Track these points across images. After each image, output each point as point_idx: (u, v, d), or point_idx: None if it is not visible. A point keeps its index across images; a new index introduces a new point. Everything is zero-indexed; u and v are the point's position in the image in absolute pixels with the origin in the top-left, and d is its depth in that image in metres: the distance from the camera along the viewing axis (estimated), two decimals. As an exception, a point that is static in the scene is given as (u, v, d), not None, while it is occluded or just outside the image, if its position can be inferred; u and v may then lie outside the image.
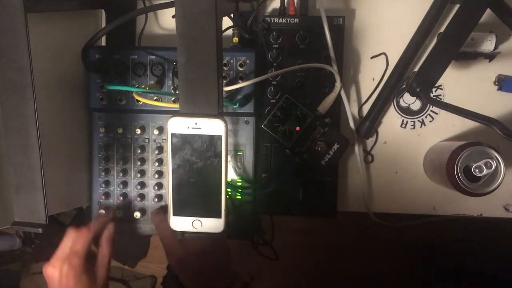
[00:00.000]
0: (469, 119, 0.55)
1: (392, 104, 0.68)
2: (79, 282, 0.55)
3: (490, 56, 0.64)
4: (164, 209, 0.65)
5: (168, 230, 0.55)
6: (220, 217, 0.44)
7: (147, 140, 0.65)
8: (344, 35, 0.64)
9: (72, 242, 0.57)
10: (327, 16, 0.62)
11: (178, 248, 0.59)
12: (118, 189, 0.66)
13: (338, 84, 0.62)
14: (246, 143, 0.65)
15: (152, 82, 0.63)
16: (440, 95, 0.67)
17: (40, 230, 0.47)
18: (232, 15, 0.64)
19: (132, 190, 0.66)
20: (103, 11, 0.70)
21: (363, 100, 0.68)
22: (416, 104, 0.68)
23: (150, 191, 0.66)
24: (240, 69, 0.62)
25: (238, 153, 0.65)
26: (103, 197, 0.66)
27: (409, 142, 0.68)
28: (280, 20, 0.64)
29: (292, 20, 0.64)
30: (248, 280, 0.65)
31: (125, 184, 0.66)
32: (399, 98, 0.68)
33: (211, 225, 0.45)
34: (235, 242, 0.70)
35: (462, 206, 0.68)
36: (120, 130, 0.65)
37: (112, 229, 0.62)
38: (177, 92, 0.62)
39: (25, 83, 0.44)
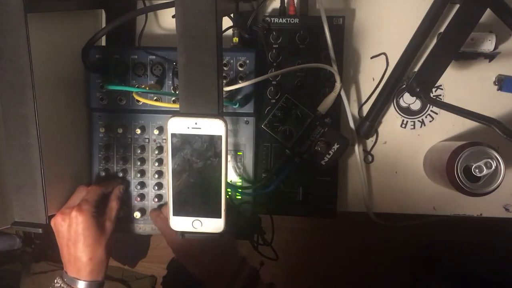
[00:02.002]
0: (469, 119, 0.55)
1: (392, 104, 0.68)
2: (87, 229, 0.56)
3: (490, 56, 0.64)
4: (160, 206, 0.66)
5: (166, 221, 0.55)
6: (220, 217, 0.44)
7: (147, 140, 0.65)
8: (344, 35, 0.64)
9: (82, 194, 0.60)
10: (327, 16, 0.62)
11: (179, 241, 0.59)
12: (118, 189, 0.66)
13: (338, 84, 0.62)
14: (246, 143, 0.65)
15: (152, 82, 0.63)
16: (440, 95, 0.67)
17: (40, 230, 0.47)
18: (232, 15, 0.64)
19: (132, 190, 0.66)
20: (103, 11, 0.70)
21: (363, 100, 0.68)
22: (416, 104, 0.68)
23: (150, 191, 0.66)
24: (240, 69, 0.62)
25: (238, 153, 0.65)
26: (103, 197, 0.66)
27: (409, 142, 0.68)
28: (280, 20, 0.64)
29: (292, 20, 0.64)
30: (257, 265, 0.64)
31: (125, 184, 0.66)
32: (399, 98, 0.68)
33: (211, 225, 0.45)
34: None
35: (462, 206, 0.68)
36: (120, 130, 0.65)
37: (121, 189, 0.64)
38: (177, 92, 0.62)
39: (25, 83, 0.44)
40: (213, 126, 0.41)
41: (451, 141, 0.67)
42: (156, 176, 0.65)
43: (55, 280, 0.57)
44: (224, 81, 0.62)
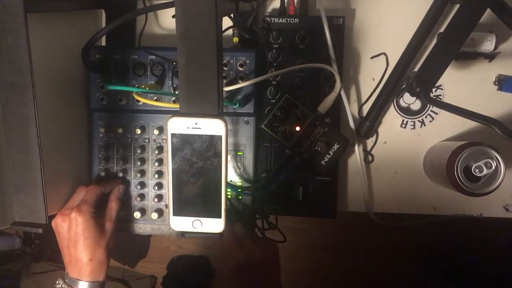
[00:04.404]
0: (469, 119, 0.55)
1: (392, 104, 0.68)
2: (87, 229, 0.56)
3: (490, 56, 0.64)
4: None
5: (229, 234, 0.57)
6: (220, 217, 0.44)
7: (147, 140, 0.65)
8: (344, 35, 0.64)
9: (82, 195, 0.60)
10: (327, 16, 0.62)
11: (242, 255, 0.58)
12: (118, 189, 0.66)
13: (338, 84, 0.62)
14: (246, 143, 0.65)
15: (152, 82, 0.63)
16: (440, 95, 0.67)
17: (40, 230, 0.47)
18: (232, 15, 0.64)
19: (132, 190, 0.66)
20: (103, 11, 0.70)
21: (363, 100, 0.68)
22: (416, 104, 0.68)
23: (150, 191, 0.66)
24: (240, 69, 0.62)
25: (238, 153, 0.65)
26: (103, 197, 0.66)
27: (409, 142, 0.68)
28: (280, 20, 0.64)
29: (292, 20, 0.64)
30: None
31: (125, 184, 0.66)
32: (399, 98, 0.68)
33: (211, 225, 0.45)
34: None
35: (462, 206, 0.68)
36: (120, 130, 0.65)
37: (121, 189, 0.64)
38: (177, 92, 0.62)
39: (25, 83, 0.44)
40: (213, 126, 0.41)
41: (451, 141, 0.67)
42: (156, 176, 0.65)
43: (57, 281, 0.57)
44: (224, 81, 0.62)
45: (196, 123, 0.41)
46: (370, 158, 0.69)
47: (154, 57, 0.62)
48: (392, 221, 0.69)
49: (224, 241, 0.60)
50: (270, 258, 0.60)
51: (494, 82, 0.66)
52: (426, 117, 0.68)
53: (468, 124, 0.67)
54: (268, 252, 0.59)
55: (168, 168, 0.43)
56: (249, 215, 0.66)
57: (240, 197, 0.65)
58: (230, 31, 0.65)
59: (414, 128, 0.68)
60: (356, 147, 0.67)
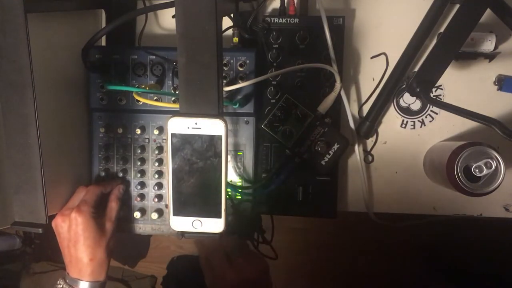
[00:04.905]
0: (469, 119, 0.55)
1: (392, 104, 0.68)
2: (87, 230, 0.56)
3: (490, 56, 0.64)
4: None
5: (219, 255, 0.58)
6: (220, 217, 0.44)
7: (147, 140, 0.65)
8: (344, 35, 0.64)
9: (82, 195, 0.60)
10: (327, 16, 0.62)
11: (232, 274, 0.59)
12: (118, 189, 0.66)
13: (338, 84, 0.62)
14: (246, 143, 0.65)
15: (152, 82, 0.63)
16: (440, 95, 0.67)
17: (40, 230, 0.47)
18: (232, 15, 0.64)
19: (132, 190, 0.66)
20: (103, 11, 0.70)
21: (363, 100, 0.68)
22: (416, 104, 0.68)
23: (150, 191, 0.66)
24: (240, 69, 0.62)
25: (238, 153, 0.65)
26: (103, 197, 0.66)
27: (409, 142, 0.68)
28: (280, 20, 0.64)
29: (292, 20, 0.64)
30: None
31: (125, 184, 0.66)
32: (399, 98, 0.68)
33: (211, 225, 0.45)
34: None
35: (462, 206, 0.68)
36: (120, 130, 0.65)
37: (121, 189, 0.64)
38: (177, 92, 0.62)
39: (25, 83, 0.44)
40: (213, 126, 0.41)
41: (451, 141, 0.67)
42: (156, 176, 0.65)
43: (58, 282, 0.57)
44: (224, 81, 0.62)
45: (196, 123, 0.41)
46: (370, 158, 0.69)
47: (154, 57, 0.62)
48: (392, 221, 0.69)
49: (214, 263, 0.61)
50: (261, 278, 0.60)
51: (494, 82, 0.66)
52: (426, 117, 0.68)
53: (468, 124, 0.67)
54: (257, 270, 0.60)
55: (168, 168, 0.43)
56: (247, 226, 0.66)
57: (239, 197, 0.65)
58: (230, 31, 0.65)
59: (414, 128, 0.68)
60: (356, 147, 0.67)
